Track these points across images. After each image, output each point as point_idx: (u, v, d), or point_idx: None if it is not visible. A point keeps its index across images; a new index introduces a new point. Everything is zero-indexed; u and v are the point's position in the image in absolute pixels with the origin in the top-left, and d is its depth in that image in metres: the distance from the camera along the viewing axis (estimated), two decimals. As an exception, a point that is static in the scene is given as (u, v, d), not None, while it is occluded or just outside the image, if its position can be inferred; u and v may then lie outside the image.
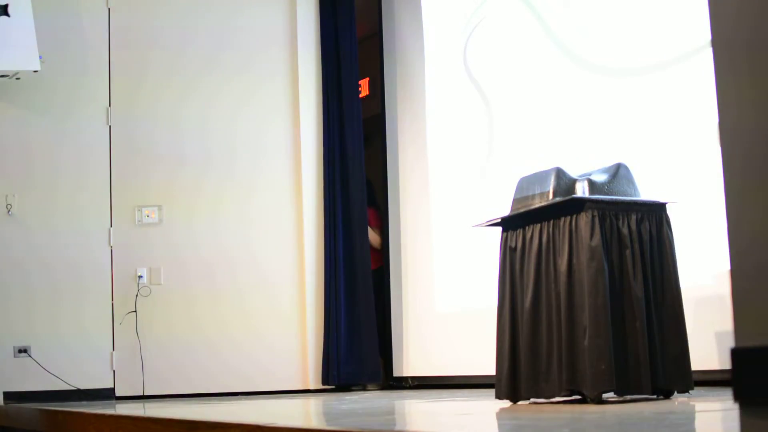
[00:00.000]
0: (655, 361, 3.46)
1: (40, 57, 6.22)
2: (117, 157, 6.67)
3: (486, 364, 4.24)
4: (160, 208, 6.68)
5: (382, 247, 6.92)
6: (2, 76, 6.29)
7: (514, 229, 3.80)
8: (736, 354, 1.29)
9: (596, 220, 3.44)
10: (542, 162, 4.41)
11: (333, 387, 6.56)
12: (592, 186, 3.58)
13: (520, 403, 3.71)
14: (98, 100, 6.69)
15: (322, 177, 6.84)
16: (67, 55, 6.64)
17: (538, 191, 3.68)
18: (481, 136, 6.08)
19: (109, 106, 6.71)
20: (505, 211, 3.86)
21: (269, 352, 6.62)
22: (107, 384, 6.45)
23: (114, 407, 5.18)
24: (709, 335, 4.26)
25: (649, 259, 3.53)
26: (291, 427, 2.71)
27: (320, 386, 6.57)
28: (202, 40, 6.89)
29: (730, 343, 1.30)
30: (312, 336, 6.66)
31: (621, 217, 3.52)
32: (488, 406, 3.78)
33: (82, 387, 6.33)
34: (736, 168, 1.33)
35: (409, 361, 6.61)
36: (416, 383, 6.52)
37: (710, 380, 4.01)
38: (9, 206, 6.46)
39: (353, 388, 6.61)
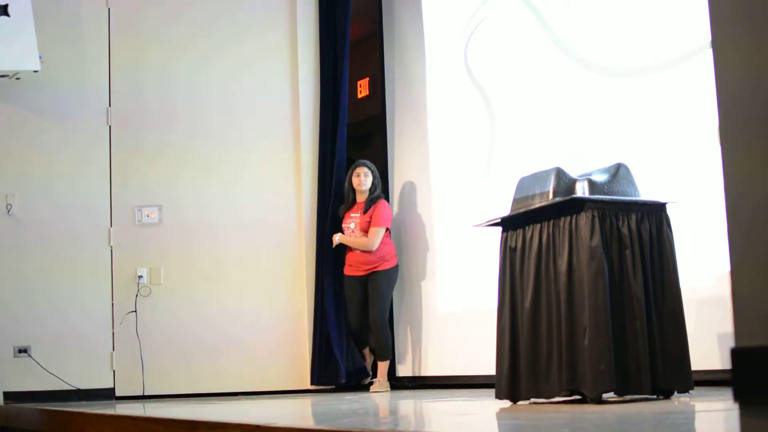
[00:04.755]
0: (655, 361, 3.46)
1: (40, 57, 6.22)
2: (117, 157, 6.67)
3: (486, 364, 4.24)
4: (160, 208, 6.68)
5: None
6: (2, 76, 6.29)
7: (514, 229, 3.80)
8: (736, 354, 1.29)
9: (596, 220, 3.44)
10: (542, 162, 4.41)
11: (333, 387, 6.56)
12: (592, 186, 3.58)
13: (520, 403, 3.71)
14: (98, 100, 6.69)
15: (317, 180, 6.84)
16: (67, 55, 6.64)
17: (538, 191, 3.68)
18: (481, 136, 6.07)
19: (109, 106, 6.71)
20: (506, 211, 3.86)
21: (269, 351, 6.62)
22: (107, 384, 6.44)
23: (114, 407, 5.18)
24: (709, 335, 4.26)
25: (649, 259, 3.53)
26: (291, 427, 2.71)
27: (320, 386, 6.56)
28: (201, 39, 6.88)
29: (730, 343, 1.30)
30: (311, 336, 6.66)
31: (621, 217, 3.51)
32: (488, 406, 3.77)
33: (82, 387, 6.33)
34: (736, 168, 1.33)
35: (410, 361, 6.61)
36: (417, 383, 6.51)
37: (710, 380, 4.01)
38: (9, 206, 6.46)
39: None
